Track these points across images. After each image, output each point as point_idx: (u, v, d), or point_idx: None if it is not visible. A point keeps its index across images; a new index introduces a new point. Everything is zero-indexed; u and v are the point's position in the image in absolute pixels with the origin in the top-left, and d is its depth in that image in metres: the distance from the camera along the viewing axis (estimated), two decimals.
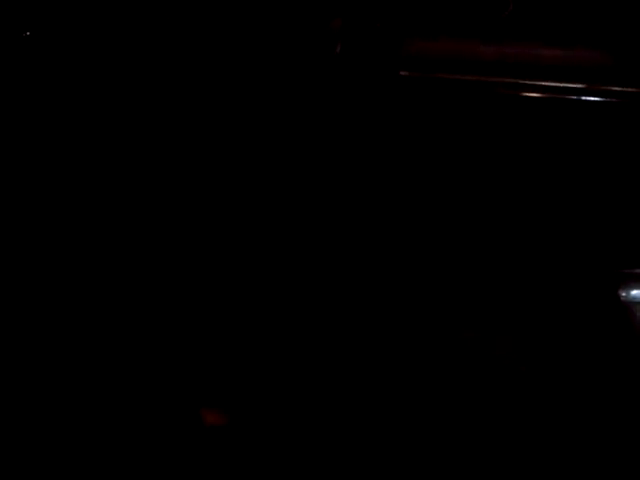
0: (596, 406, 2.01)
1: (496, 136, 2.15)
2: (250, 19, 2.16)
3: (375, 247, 2.22)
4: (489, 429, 1.95)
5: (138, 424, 1.92)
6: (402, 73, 2.09)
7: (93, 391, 1.97)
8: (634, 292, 2.24)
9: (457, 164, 2.19)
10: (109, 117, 2.18)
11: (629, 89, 2.10)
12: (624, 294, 2.23)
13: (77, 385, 1.98)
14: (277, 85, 2.17)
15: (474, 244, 2.24)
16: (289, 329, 2.11)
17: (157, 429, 1.91)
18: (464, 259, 2.23)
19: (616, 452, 1.92)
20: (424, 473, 1.88)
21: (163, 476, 1.84)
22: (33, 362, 2.02)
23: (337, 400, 1.99)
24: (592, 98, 2.10)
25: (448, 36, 2.11)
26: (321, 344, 2.09)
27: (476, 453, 1.91)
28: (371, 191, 2.21)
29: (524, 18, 2.12)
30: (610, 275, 2.25)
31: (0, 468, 1.82)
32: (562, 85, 2.09)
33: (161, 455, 1.86)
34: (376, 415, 1.97)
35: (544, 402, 2.01)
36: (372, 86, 2.14)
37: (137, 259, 2.17)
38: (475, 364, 2.06)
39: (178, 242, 2.19)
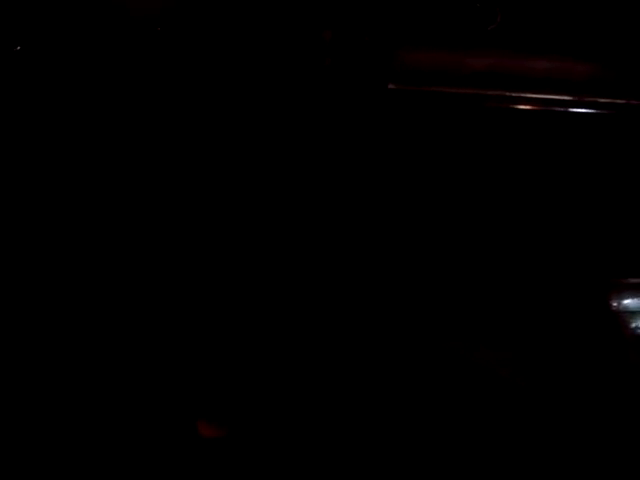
0: (587, 414, 2.01)
1: (485, 149, 2.16)
2: (241, 31, 2.16)
3: (366, 257, 2.22)
4: (472, 432, 1.96)
5: (135, 435, 1.92)
6: (390, 86, 2.10)
7: (91, 402, 1.98)
8: (625, 302, 2.24)
9: (446, 177, 2.19)
10: (101, 129, 2.18)
11: (618, 100, 2.11)
12: (615, 304, 2.23)
13: (75, 395, 1.98)
14: (267, 96, 2.18)
15: (465, 255, 2.24)
16: (285, 341, 2.12)
17: (155, 441, 1.91)
18: (454, 269, 2.23)
19: (609, 459, 1.92)
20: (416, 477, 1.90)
21: None
22: (31, 370, 2.02)
23: (332, 411, 2.00)
24: (580, 110, 2.11)
25: (436, 49, 2.11)
26: (316, 355, 2.10)
27: (461, 455, 1.92)
28: (360, 203, 2.21)
29: (512, 30, 2.13)
30: (601, 284, 2.26)
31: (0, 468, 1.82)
32: (550, 97, 2.10)
33: (158, 467, 1.87)
34: (369, 424, 1.97)
35: (528, 407, 2.02)
36: (361, 99, 2.14)
37: (136, 264, 2.17)
38: (460, 371, 2.07)
39: (175, 247, 2.19)
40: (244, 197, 2.20)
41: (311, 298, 2.18)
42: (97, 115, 2.17)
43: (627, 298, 2.24)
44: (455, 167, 2.18)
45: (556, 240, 2.25)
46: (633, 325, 2.20)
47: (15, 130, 2.16)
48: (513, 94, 2.09)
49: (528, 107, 2.11)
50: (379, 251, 2.23)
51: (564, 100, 2.09)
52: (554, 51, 2.10)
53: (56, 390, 1.99)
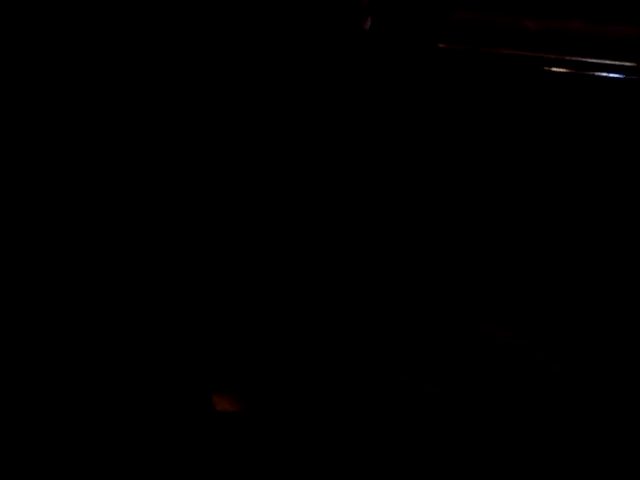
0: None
1: (540, 114, 2.06)
2: None
3: (399, 238, 2.19)
4: (500, 423, 1.92)
5: (150, 410, 1.90)
6: (441, 45, 2.00)
7: (104, 377, 1.96)
8: None
9: (496, 143, 2.10)
10: (113, 112, 2.14)
11: None
12: None
13: (88, 373, 1.97)
14: (302, 67, 2.10)
15: (507, 236, 2.17)
16: (305, 316, 2.11)
17: (170, 416, 1.88)
18: (490, 251, 2.17)
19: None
20: (433, 464, 1.84)
21: (175, 461, 1.80)
22: (39, 348, 2.01)
23: (350, 387, 1.97)
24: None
25: (491, 7, 2.01)
26: (335, 334, 2.09)
27: (486, 448, 1.87)
28: (403, 173, 2.14)
29: None
30: None
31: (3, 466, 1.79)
32: (610, 62, 2.00)
33: (173, 441, 1.83)
34: (389, 405, 1.94)
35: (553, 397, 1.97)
36: (407, 60, 2.05)
37: (147, 249, 2.15)
38: (492, 356, 2.05)
39: (192, 231, 2.17)
40: (273, 166, 2.17)
41: (334, 281, 2.16)
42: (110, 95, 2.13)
43: None
44: (506, 133, 2.08)
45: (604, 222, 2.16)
46: None
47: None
48: (569, 58, 2.00)
49: (583, 72, 2.01)
50: (416, 230, 2.19)
51: (626, 66, 1.99)
52: (619, 16, 2.00)
53: (67, 367, 1.98)
